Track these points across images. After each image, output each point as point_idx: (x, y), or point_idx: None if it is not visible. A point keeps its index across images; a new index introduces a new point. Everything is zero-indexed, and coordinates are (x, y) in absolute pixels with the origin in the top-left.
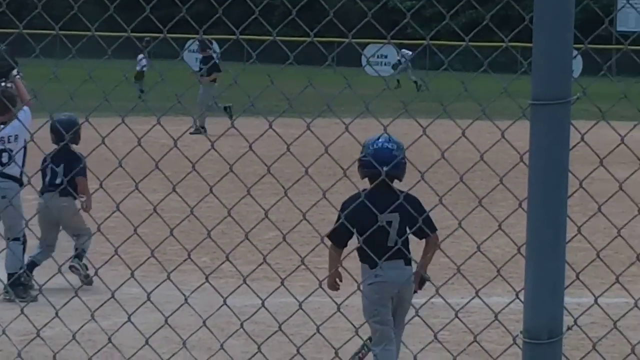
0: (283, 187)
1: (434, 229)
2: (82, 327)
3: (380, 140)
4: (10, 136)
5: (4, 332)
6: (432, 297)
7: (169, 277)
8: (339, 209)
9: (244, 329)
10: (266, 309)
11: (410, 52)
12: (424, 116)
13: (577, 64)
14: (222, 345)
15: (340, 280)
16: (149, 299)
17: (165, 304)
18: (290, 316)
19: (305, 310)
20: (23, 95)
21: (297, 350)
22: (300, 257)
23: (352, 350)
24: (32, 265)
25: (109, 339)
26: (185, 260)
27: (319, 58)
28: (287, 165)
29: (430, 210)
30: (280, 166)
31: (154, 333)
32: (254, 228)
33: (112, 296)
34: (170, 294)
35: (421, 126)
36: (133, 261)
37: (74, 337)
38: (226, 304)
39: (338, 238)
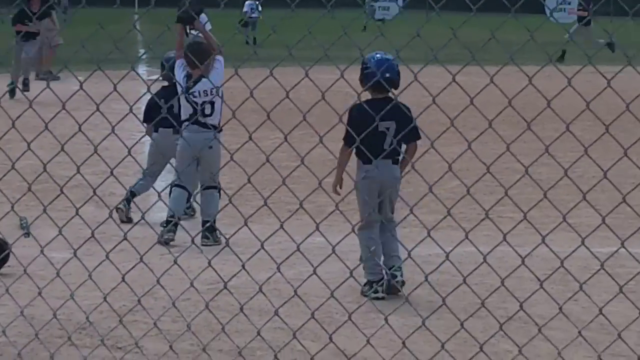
0: (467, 140)
1: (418, 137)
2: (268, 278)
3: (378, 54)
4: (212, 89)
5: (191, 285)
6: (617, 250)
7: (353, 230)
8: (349, 114)
9: (427, 281)
10: (450, 261)
11: None
12: (610, 64)
13: None
14: (407, 297)
15: (341, 187)
16: (334, 251)
17: (349, 253)
18: (476, 268)
19: (489, 260)
20: (213, 45)
21: (482, 303)
22: (484, 209)
23: (538, 300)
24: (132, 195)
25: (295, 291)
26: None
27: (501, 5)
28: (471, 114)
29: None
30: (465, 114)
31: (339, 285)
32: (439, 180)
33: (298, 249)
34: (355, 243)
35: (606, 78)
36: (317, 210)
37: (260, 289)
38: (410, 257)
39: (349, 139)
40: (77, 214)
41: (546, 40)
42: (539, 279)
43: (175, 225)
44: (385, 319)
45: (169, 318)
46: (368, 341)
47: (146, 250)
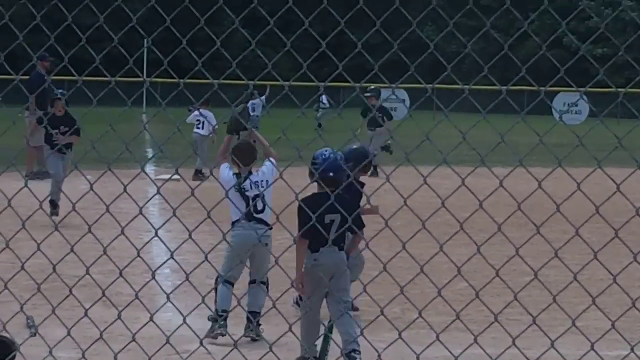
0: (476, 244)
1: (360, 228)
2: None
3: (327, 151)
4: (262, 181)
5: None
6: (627, 355)
7: (361, 333)
8: (300, 208)
9: None
10: None
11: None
12: (619, 166)
13: None
14: None
15: (302, 284)
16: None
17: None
18: None
19: None
20: (268, 150)
21: None
22: (493, 313)
23: None
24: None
25: None
26: (378, 317)
27: (509, 106)
28: (479, 215)
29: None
30: (473, 216)
31: None
32: (448, 283)
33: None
34: (364, 344)
35: (615, 182)
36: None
37: None
38: (418, 358)
39: (304, 231)
40: (85, 314)
41: (554, 142)
42: None
43: (225, 319)
44: None
45: None
46: None
47: (154, 352)
